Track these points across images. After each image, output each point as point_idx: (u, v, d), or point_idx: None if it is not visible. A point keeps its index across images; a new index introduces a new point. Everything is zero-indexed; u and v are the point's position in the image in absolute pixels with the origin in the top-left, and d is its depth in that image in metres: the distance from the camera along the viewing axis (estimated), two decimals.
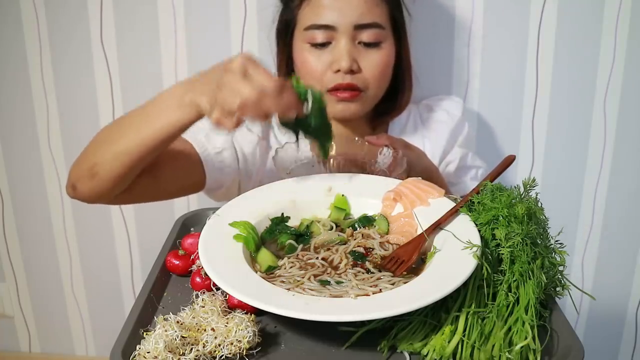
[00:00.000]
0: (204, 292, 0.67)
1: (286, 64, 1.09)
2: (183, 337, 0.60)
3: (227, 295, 0.67)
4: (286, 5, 1.07)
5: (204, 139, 1.04)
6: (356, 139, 0.98)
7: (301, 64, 1.04)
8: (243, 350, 0.59)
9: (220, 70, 0.76)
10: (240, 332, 0.60)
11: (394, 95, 1.11)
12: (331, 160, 0.97)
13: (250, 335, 0.60)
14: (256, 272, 0.68)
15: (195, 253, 0.72)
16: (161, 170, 0.95)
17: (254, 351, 0.61)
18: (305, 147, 0.97)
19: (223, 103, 0.73)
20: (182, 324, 0.62)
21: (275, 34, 1.10)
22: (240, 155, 1.07)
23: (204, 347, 0.59)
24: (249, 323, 0.61)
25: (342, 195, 0.83)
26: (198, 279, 0.71)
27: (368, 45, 1.01)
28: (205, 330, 0.61)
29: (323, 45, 1.01)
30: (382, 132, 1.04)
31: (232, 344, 0.59)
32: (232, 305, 0.66)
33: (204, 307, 0.65)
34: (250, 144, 1.08)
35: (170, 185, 1.00)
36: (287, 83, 0.76)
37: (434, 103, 1.20)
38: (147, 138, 0.82)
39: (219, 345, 0.59)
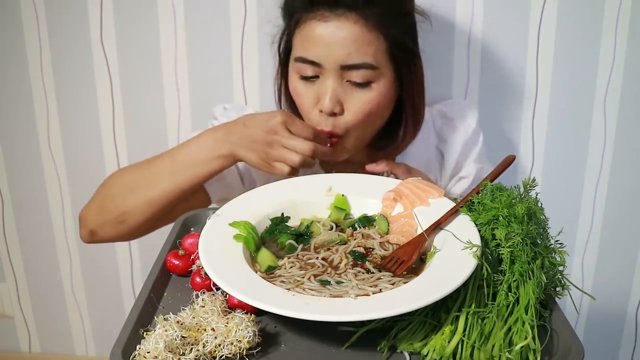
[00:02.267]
0: (204, 292, 0.67)
1: (285, 84, 1.04)
2: (183, 337, 0.60)
3: (227, 295, 0.67)
4: (286, 28, 1.02)
5: None
6: (355, 167, 0.96)
7: (293, 92, 1.00)
8: (243, 350, 0.59)
9: (262, 130, 0.89)
10: (240, 332, 0.60)
11: (396, 131, 1.04)
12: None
13: (250, 335, 0.60)
14: (256, 272, 0.68)
15: (195, 253, 0.72)
16: (170, 211, 0.99)
17: (254, 351, 0.61)
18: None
19: (283, 159, 0.88)
20: (182, 324, 0.62)
21: (276, 51, 1.06)
22: (243, 169, 1.07)
23: (204, 347, 0.59)
24: (249, 323, 0.61)
25: (342, 195, 0.83)
26: (198, 279, 0.71)
27: (357, 84, 0.93)
28: (205, 330, 0.61)
29: (312, 77, 0.95)
30: (382, 160, 0.97)
31: (232, 344, 0.59)
32: (232, 305, 0.66)
33: (204, 307, 0.64)
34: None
35: (177, 215, 0.98)
36: (319, 133, 0.90)
37: (448, 110, 1.16)
38: (184, 184, 0.91)
39: (219, 345, 0.59)
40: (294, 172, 0.90)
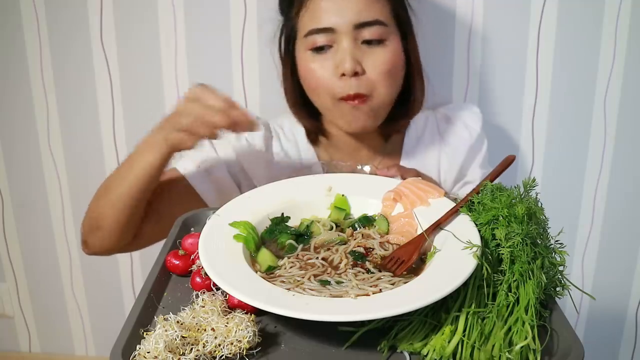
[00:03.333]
0: (204, 292, 0.67)
1: (291, 77, 1.07)
2: (183, 337, 0.60)
3: (227, 295, 0.67)
4: (286, 16, 1.05)
5: (197, 172, 1.05)
6: (367, 168, 0.96)
7: (305, 74, 1.01)
8: (243, 350, 0.59)
9: (180, 106, 0.88)
10: (241, 332, 0.60)
11: (406, 99, 1.07)
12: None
13: (250, 335, 0.60)
14: (256, 272, 0.68)
15: (195, 253, 0.72)
16: (163, 217, 1.00)
17: (254, 351, 0.61)
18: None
19: (176, 124, 0.86)
20: (182, 324, 0.62)
21: (277, 47, 1.09)
22: (239, 172, 1.07)
23: (204, 347, 0.59)
24: (249, 323, 0.61)
25: (342, 195, 0.83)
26: (198, 279, 0.71)
27: (371, 43, 0.97)
28: (205, 330, 0.61)
29: (325, 49, 0.98)
30: (394, 164, 1.00)
31: (232, 344, 0.59)
32: (232, 305, 0.66)
33: (204, 307, 0.64)
34: (253, 158, 1.07)
35: (166, 220, 0.99)
36: (236, 103, 0.85)
37: (453, 114, 1.16)
38: (132, 182, 0.91)
39: (219, 345, 0.59)
40: (191, 140, 0.87)
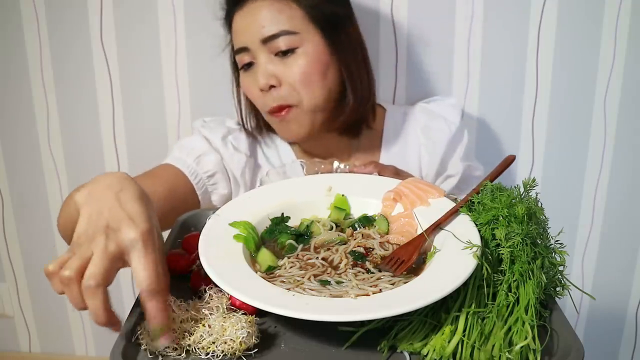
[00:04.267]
0: (211, 288, 0.67)
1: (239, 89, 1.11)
2: (182, 321, 0.62)
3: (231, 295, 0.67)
4: (229, 33, 1.08)
5: (194, 164, 1.05)
6: (342, 166, 0.95)
7: (244, 90, 1.06)
8: (237, 350, 0.60)
9: (101, 227, 0.61)
10: (235, 332, 0.60)
11: (343, 97, 1.04)
12: None
13: (244, 336, 0.60)
14: (256, 272, 0.68)
15: (195, 253, 0.72)
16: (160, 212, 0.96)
17: (253, 352, 0.61)
18: (291, 170, 0.99)
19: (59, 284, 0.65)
20: (185, 310, 0.63)
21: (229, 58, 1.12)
22: (231, 176, 1.08)
23: (198, 341, 0.60)
24: (244, 324, 0.61)
25: (342, 195, 0.83)
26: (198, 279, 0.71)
27: (285, 53, 0.99)
28: (203, 326, 0.61)
29: (251, 66, 1.01)
30: (371, 161, 0.99)
31: (225, 343, 0.59)
32: (235, 306, 0.66)
33: (209, 302, 0.65)
34: (239, 164, 1.08)
35: (168, 220, 0.93)
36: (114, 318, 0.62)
37: (431, 107, 1.16)
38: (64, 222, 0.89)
39: (213, 342, 0.60)
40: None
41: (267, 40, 0.98)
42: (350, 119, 1.06)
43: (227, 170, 1.08)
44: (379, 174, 0.90)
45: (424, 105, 1.18)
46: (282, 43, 0.98)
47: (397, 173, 0.93)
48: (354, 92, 1.03)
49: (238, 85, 1.10)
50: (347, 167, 0.97)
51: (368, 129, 1.11)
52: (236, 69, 1.09)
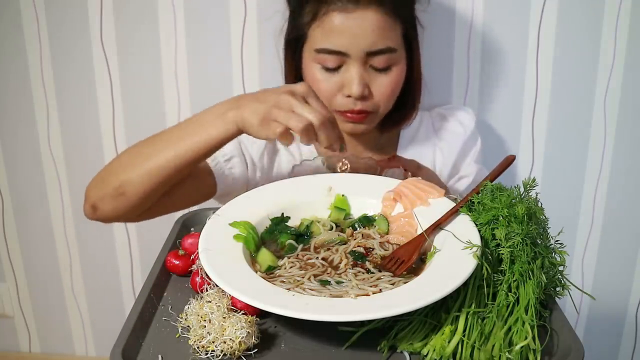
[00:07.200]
0: (212, 287, 0.67)
1: (294, 73, 1.08)
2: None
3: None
4: (295, 19, 1.04)
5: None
6: (368, 158, 0.97)
7: (311, 80, 1.02)
8: (236, 350, 0.60)
9: (275, 93, 0.80)
10: (235, 332, 0.60)
11: (403, 105, 1.08)
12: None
13: (243, 336, 0.60)
14: (256, 272, 0.68)
15: (195, 253, 0.72)
16: (175, 190, 0.95)
17: (253, 352, 0.61)
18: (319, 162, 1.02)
19: (284, 120, 0.78)
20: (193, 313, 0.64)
21: (284, 44, 1.09)
22: (248, 160, 1.07)
23: (200, 340, 0.60)
24: (244, 324, 0.61)
25: (342, 195, 0.83)
26: (198, 279, 0.71)
27: (379, 69, 0.99)
28: (204, 327, 0.62)
29: (334, 68, 0.99)
30: (394, 155, 1.01)
31: (224, 342, 0.60)
32: (235, 306, 0.66)
33: (210, 302, 0.65)
34: (259, 148, 1.08)
35: (182, 199, 0.99)
36: (335, 119, 0.81)
37: (447, 112, 1.19)
38: (184, 153, 0.84)
39: (212, 342, 0.60)
40: (287, 136, 0.79)
41: (372, 54, 0.97)
42: (404, 123, 1.11)
43: (245, 155, 1.07)
44: (403, 167, 0.92)
45: (440, 111, 1.20)
46: (384, 60, 0.98)
47: (419, 168, 0.95)
48: (418, 100, 1.09)
49: (293, 64, 1.08)
50: (369, 159, 0.98)
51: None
52: (292, 51, 1.06)
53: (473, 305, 0.63)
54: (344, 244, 0.75)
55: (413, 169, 0.93)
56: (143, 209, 0.91)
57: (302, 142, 0.79)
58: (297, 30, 1.03)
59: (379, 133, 1.13)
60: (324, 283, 0.66)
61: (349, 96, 0.99)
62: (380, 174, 0.95)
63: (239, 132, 0.82)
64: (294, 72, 1.08)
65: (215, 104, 0.87)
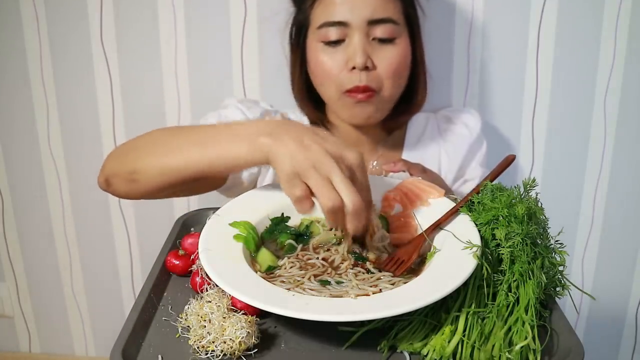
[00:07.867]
0: (212, 287, 0.67)
1: (300, 67, 1.08)
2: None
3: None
4: (299, 7, 1.06)
5: None
6: (374, 163, 0.97)
7: (315, 65, 1.02)
8: (236, 350, 0.60)
9: (321, 147, 0.67)
10: (235, 332, 0.60)
11: (409, 96, 1.09)
12: None
13: (243, 336, 0.60)
14: (256, 272, 0.68)
15: (195, 253, 0.72)
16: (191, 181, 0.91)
17: (253, 352, 0.61)
18: None
19: (316, 191, 0.66)
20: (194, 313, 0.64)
21: (288, 36, 1.10)
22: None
23: (200, 340, 0.60)
24: (244, 324, 0.61)
25: None
26: (198, 279, 0.71)
27: (382, 41, 0.99)
28: (204, 327, 0.62)
29: (337, 43, 0.99)
30: (399, 159, 0.97)
31: (224, 342, 0.60)
32: (235, 306, 0.66)
33: (210, 302, 0.65)
34: None
35: (192, 186, 0.97)
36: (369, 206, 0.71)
37: (453, 115, 1.19)
38: (201, 162, 0.75)
39: (213, 342, 0.60)
40: (307, 204, 0.68)
41: (373, 23, 0.97)
42: (410, 116, 1.11)
43: None
44: (408, 170, 0.91)
45: (446, 113, 1.20)
46: (386, 30, 0.98)
47: (424, 171, 0.95)
48: (424, 92, 1.09)
49: (297, 57, 1.08)
50: (375, 163, 0.98)
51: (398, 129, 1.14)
52: (297, 42, 1.07)
53: (473, 305, 0.63)
54: (339, 244, 0.75)
55: (418, 173, 0.93)
56: (155, 198, 0.88)
57: (305, 213, 0.69)
58: (301, 19, 1.05)
59: (386, 133, 1.13)
60: (324, 283, 0.66)
61: (353, 68, 0.98)
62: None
63: (263, 163, 0.70)
64: (299, 63, 1.08)
65: (252, 121, 0.79)
